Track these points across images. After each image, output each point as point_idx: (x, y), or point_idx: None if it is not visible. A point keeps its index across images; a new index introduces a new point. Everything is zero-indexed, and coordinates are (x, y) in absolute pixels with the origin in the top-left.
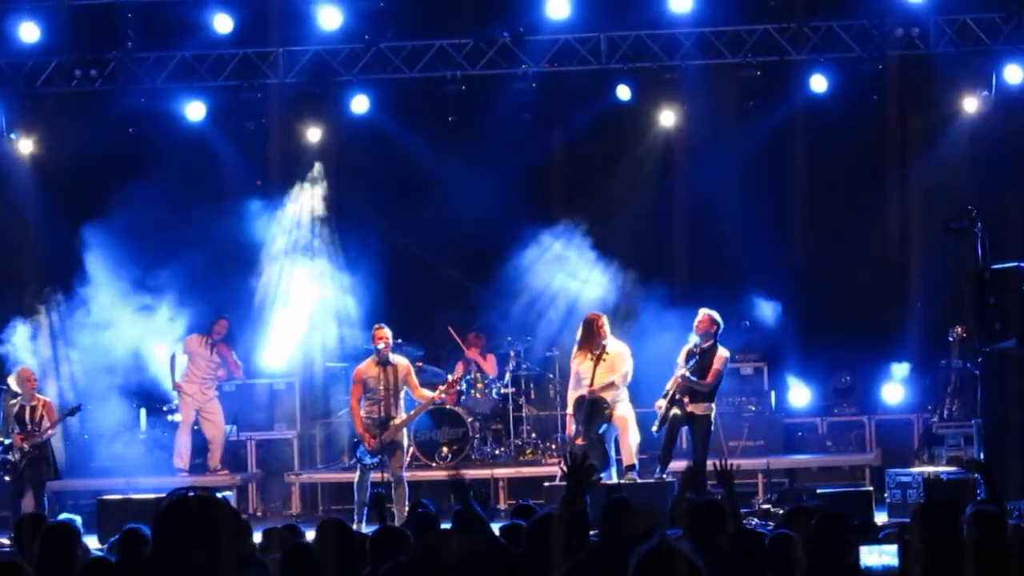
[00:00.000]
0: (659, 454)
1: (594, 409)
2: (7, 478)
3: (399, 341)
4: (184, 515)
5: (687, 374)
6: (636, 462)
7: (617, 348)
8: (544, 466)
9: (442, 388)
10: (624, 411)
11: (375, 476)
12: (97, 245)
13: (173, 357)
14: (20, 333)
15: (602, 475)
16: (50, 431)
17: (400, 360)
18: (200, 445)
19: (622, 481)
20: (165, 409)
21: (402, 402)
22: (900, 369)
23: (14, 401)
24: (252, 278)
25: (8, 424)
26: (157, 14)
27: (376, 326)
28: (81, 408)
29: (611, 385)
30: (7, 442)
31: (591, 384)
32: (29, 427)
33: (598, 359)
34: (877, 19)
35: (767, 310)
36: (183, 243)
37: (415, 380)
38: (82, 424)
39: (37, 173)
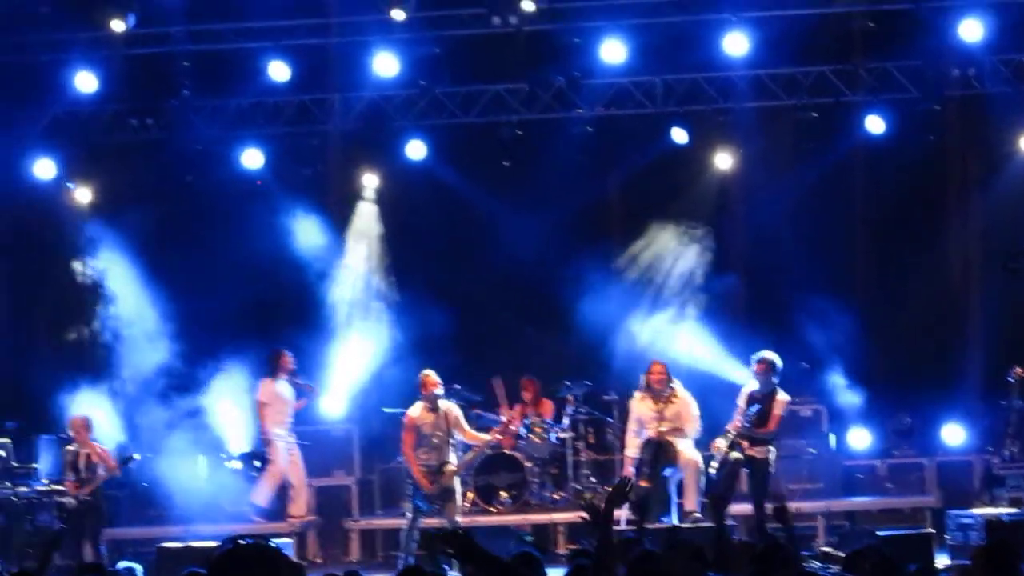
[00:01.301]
0: (717, 497)
1: (660, 451)
2: (64, 525)
3: (456, 387)
4: (237, 563)
5: (747, 424)
6: (698, 506)
7: (684, 396)
8: None
9: (496, 430)
10: (693, 455)
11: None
12: (157, 293)
13: (256, 406)
14: (83, 384)
15: (662, 519)
16: (103, 477)
17: (449, 405)
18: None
19: (683, 524)
20: (223, 456)
21: (453, 448)
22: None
23: (71, 447)
24: (311, 325)
25: (65, 471)
26: (213, 62)
27: (424, 372)
28: (134, 458)
29: (680, 431)
30: (61, 488)
31: (659, 426)
32: (84, 475)
33: (666, 402)
34: (933, 60)
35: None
36: (242, 291)
37: (464, 424)
38: (141, 471)
39: (95, 222)
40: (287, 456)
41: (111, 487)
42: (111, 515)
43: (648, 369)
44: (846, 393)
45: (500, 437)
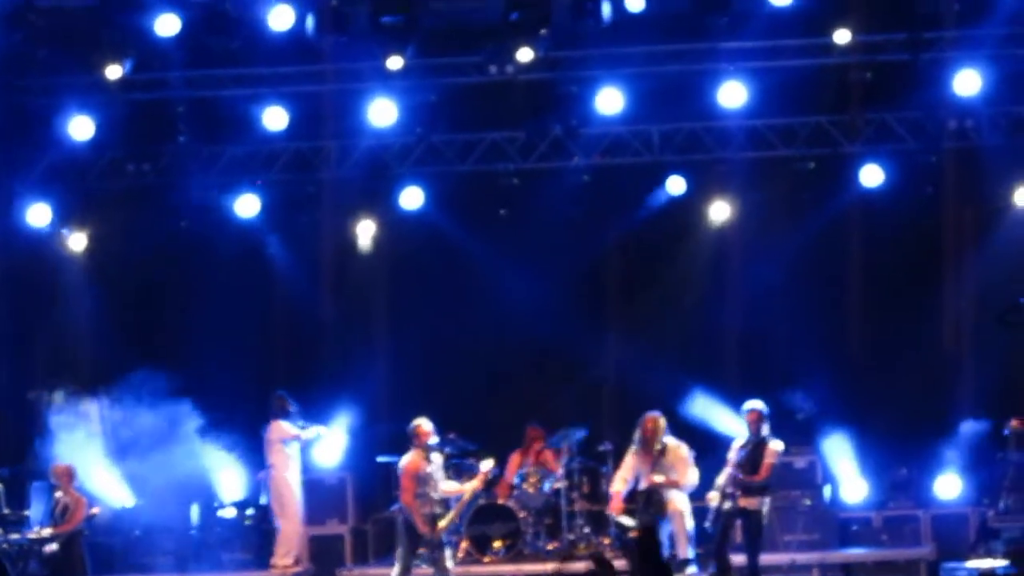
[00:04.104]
0: (713, 548)
1: (650, 503)
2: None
3: (451, 436)
4: None
5: (738, 474)
6: (693, 556)
7: (678, 449)
8: None
9: (477, 478)
10: (681, 505)
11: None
12: (152, 339)
13: (270, 446)
14: (74, 431)
15: None
16: (65, 528)
17: (437, 456)
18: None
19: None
20: (216, 505)
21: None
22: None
23: (57, 494)
24: (304, 371)
25: (52, 517)
26: (210, 109)
27: (416, 422)
28: (96, 513)
29: (674, 484)
30: (42, 535)
31: (652, 479)
32: (58, 523)
33: (660, 455)
34: (930, 111)
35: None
36: (235, 337)
37: (441, 477)
38: (135, 520)
39: (89, 269)
40: (300, 505)
41: (103, 535)
42: (96, 564)
43: (642, 422)
44: (842, 444)
45: (477, 486)
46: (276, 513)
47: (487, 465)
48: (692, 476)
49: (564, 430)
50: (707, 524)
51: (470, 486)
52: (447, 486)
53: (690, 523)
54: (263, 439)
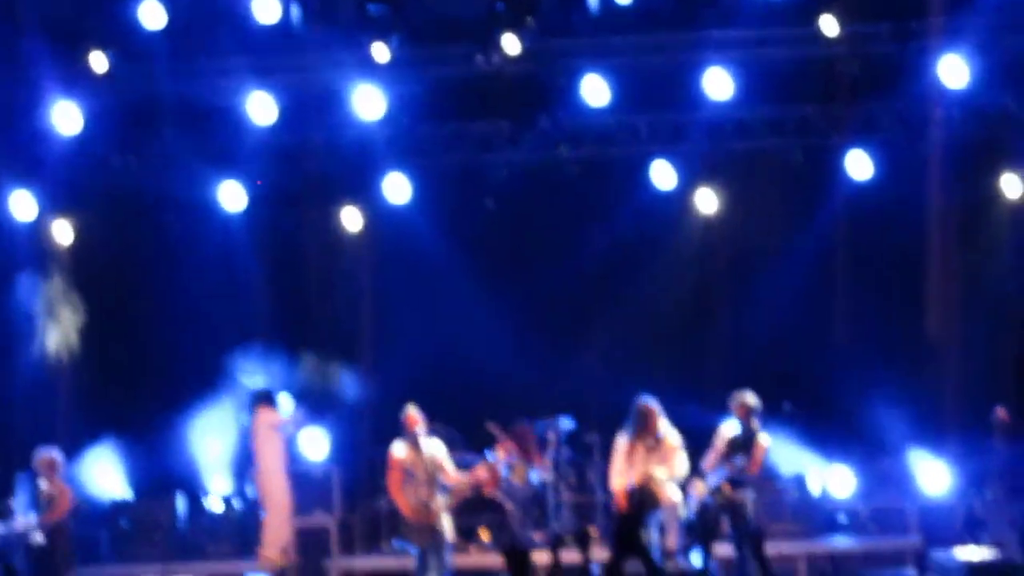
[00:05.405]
0: (700, 540)
1: (645, 498)
2: (34, 564)
3: (435, 425)
4: None
5: (730, 469)
6: (679, 548)
7: (673, 441)
8: None
9: (478, 469)
10: (673, 495)
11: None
12: (132, 333)
13: (256, 435)
14: (67, 423)
15: None
16: (49, 517)
17: (435, 445)
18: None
19: (667, 568)
20: (203, 494)
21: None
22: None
23: (42, 485)
24: (289, 364)
25: (38, 508)
26: (196, 102)
27: (406, 411)
28: (80, 505)
29: (666, 479)
30: (28, 525)
31: (645, 471)
32: (43, 512)
33: (656, 444)
34: (918, 102)
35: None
36: (222, 330)
37: (447, 465)
38: (119, 511)
39: (72, 262)
40: (288, 497)
41: (91, 526)
42: (84, 555)
43: (638, 410)
44: (828, 433)
45: (483, 476)
46: (263, 504)
47: (498, 455)
48: (683, 466)
49: (550, 419)
50: (689, 512)
51: (473, 476)
52: (460, 475)
53: (682, 513)
54: (248, 431)
